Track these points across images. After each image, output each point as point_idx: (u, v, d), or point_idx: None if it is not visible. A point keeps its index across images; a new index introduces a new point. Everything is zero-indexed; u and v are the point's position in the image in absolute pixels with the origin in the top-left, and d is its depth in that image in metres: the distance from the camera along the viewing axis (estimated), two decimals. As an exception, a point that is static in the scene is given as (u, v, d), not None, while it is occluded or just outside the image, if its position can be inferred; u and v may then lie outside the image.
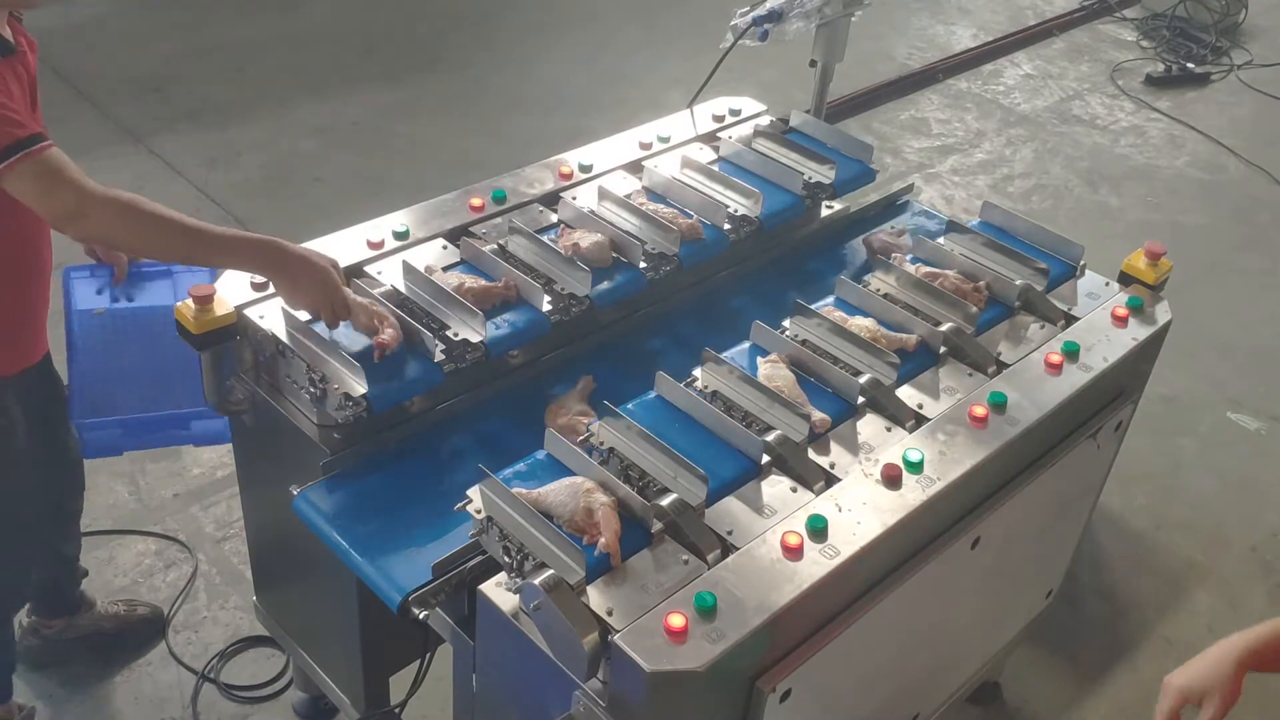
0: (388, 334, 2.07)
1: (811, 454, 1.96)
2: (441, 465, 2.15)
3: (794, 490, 1.89)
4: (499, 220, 2.51)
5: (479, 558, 1.87)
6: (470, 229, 2.48)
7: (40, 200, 1.98)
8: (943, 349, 2.22)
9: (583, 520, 1.73)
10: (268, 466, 2.36)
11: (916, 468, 1.92)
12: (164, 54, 5.73)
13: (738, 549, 1.76)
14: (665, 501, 1.78)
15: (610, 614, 1.62)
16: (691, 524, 1.77)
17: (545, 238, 2.40)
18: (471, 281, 2.24)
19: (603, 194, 2.56)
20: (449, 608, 1.92)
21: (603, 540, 1.68)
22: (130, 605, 3.00)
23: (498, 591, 1.75)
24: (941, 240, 2.56)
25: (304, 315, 2.14)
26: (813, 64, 3.30)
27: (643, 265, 2.38)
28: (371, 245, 2.37)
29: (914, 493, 1.88)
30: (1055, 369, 2.19)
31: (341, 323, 2.13)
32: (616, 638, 1.58)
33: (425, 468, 2.14)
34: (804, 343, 2.20)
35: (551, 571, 1.65)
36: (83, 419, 2.49)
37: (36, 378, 2.41)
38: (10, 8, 2.12)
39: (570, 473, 1.86)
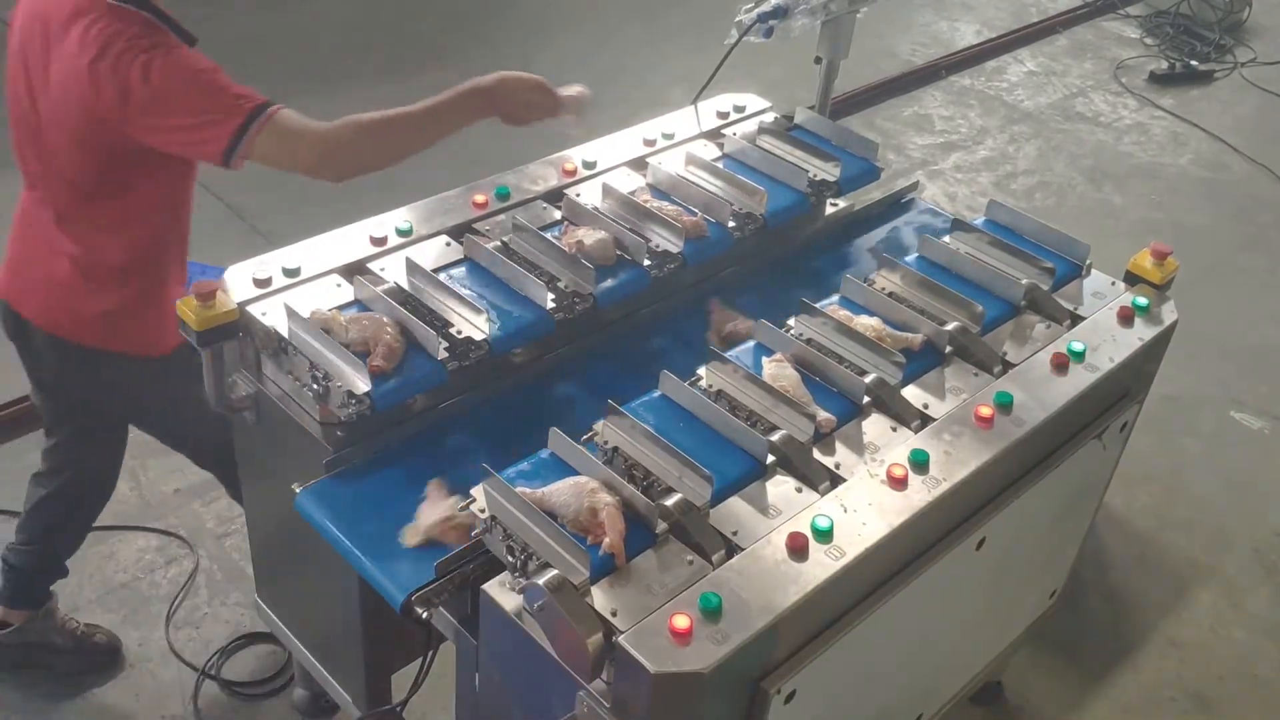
0: (379, 361, 2.03)
1: (817, 454, 1.95)
2: (445, 464, 2.14)
3: (799, 491, 1.88)
4: (502, 217, 2.50)
5: (482, 557, 1.86)
6: (473, 226, 2.47)
7: (289, 159, 2.15)
8: (948, 348, 2.21)
9: (587, 520, 1.72)
10: (270, 464, 2.36)
11: (922, 468, 1.91)
12: (165, 48, 5.73)
13: (743, 550, 1.75)
14: (670, 502, 1.77)
15: (614, 615, 1.62)
16: (696, 524, 1.76)
17: (549, 235, 2.39)
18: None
19: (607, 191, 2.55)
20: (452, 607, 1.91)
21: (607, 540, 1.68)
22: (90, 628, 2.91)
23: (501, 591, 1.74)
24: (947, 239, 2.55)
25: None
26: (817, 61, 3.29)
27: (647, 263, 2.37)
28: (375, 242, 2.36)
29: (919, 493, 1.87)
30: (1061, 369, 2.18)
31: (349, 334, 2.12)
32: (621, 639, 1.57)
33: (428, 466, 2.13)
34: (809, 342, 2.19)
35: (555, 571, 1.64)
36: None
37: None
38: None
39: (574, 472, 1.85)
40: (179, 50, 2.14)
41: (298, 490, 2.05)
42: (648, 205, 2.49)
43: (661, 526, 1.75)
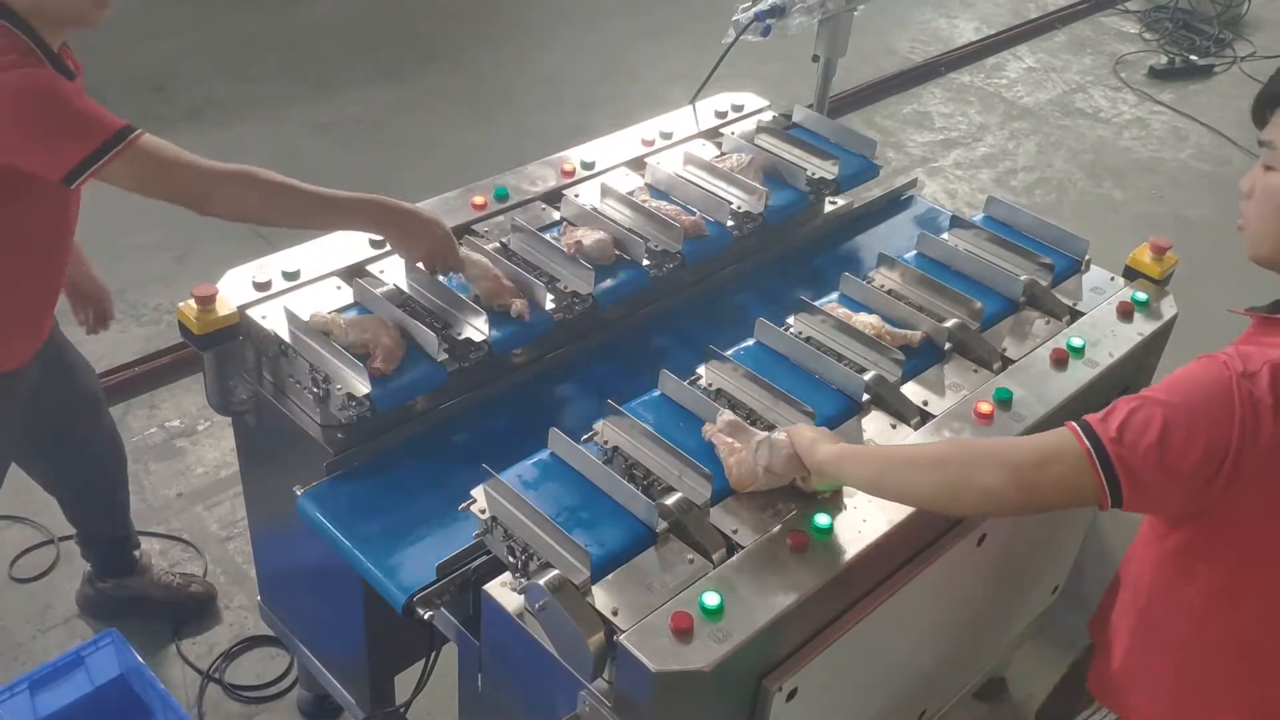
0: (379, 364, 2.06)
1: (816, 452, 1.95)
2: (445, 465, 2.14)
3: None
4: (501, 218, 2.50)
5: (483, 558, 1.86)
6: (473, 227, 2.47)
7: (160, 186, 2.07)
8: (948, 345, 2.21)
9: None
10: (271, 467, 2.36)
11: (922, 465, 1.91)
12: (165, 53, 5.73)
13: (743, 548, 1.75)
14: (670, 500, 1.77)
15: (616, 614, 1.62)
16: (697, 523, 1.76)
17: (548, 235, 2.39)
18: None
19: (605, 191, 2.55)
20: (454, 607, 1.91)
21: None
22: (186, 579, 3.09)
23: (502, 591, 1.75)
24: (945, 236, 2.55)
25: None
26: (815, 59, 3.29)
27: (646, 263, 2.38)
28: (374, 244, 2.37)
29: (920, 490, 1.87)
30: (1061, 365, 2.18)
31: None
32: (622, 638, 1.58)
33: (429, 467, 2.13)
34: (808, 339, 2.19)
35: (556, 571, 1.64)
36: None
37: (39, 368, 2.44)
38: (71, 28, 2.14)
39: (576, 471, 1.87)
40: (41, 70, 2.05)
41: (299, 492, 2.06)
42: (646, 205, 2.49)
43: (662, 526, 1.75)
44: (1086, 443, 1.52)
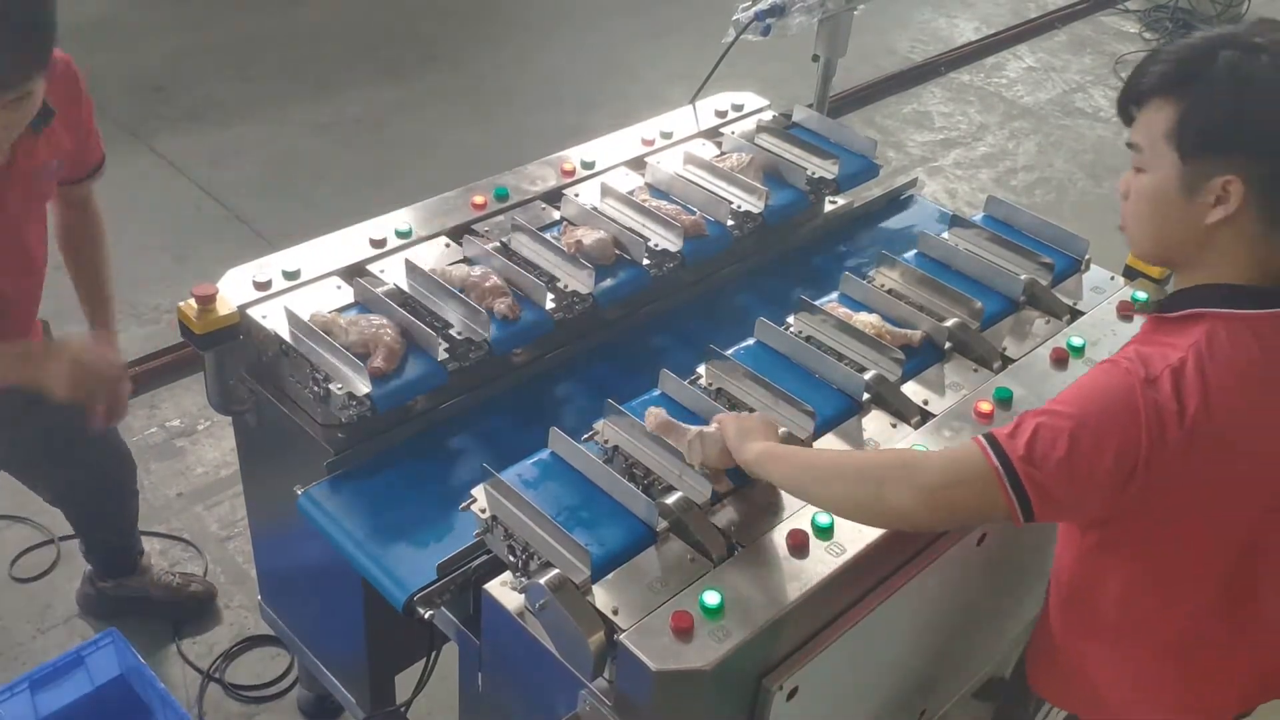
0: (379, 363, 2.05)
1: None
2: (446, 464, 2.14)
3: (799, 487, 1.88)
4: (501, 218, 2.50)
5: (484, 557, 1.87)
6: (473, 227, 2.47)
7: None
8: (948, 344, 2.21)
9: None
10: (272, 466, 2.36)
11: (922, 464, 1.91)
12: (165, 53, 5.73)
13: (743, 547, 1.75)
14: (670, 500, 1.77)
15: (616, 613, 1.62)
16: (697, 522, 1.76)
17: (548, 235, 2.39)
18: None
19: (605, 191, 2.55)
20: (454, 607, 1.91)
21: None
22: (185, 579, 3.09)
23: (503, 591, 1.75)
24: (945, 235, 2.55)
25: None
26: (815, 58, 3.29)
27: (646, 262, 2.38)
28: (374, 244, 2.37)
29: (920, 489, 1.87)
30: (1061, 364, 2.18)
31: (346, 336, 2.10)
32: (622, 637, 1.58)
33: (429, 467, 2.13)
34: (808, 339, 2.19)
35: (557, 570, 1.64)
36: None
37: None
38: None
39: (576, 470, 1.87)
40: None
41: (299, 492, 2.06)
42: (646, 204, 2.49)
43: (662, 525, 1.75)
44: (995, 461, 1.53)
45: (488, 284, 2.22)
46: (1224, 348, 1.51)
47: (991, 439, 1.55)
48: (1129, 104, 1.62)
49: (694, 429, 1.85)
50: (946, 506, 1.60)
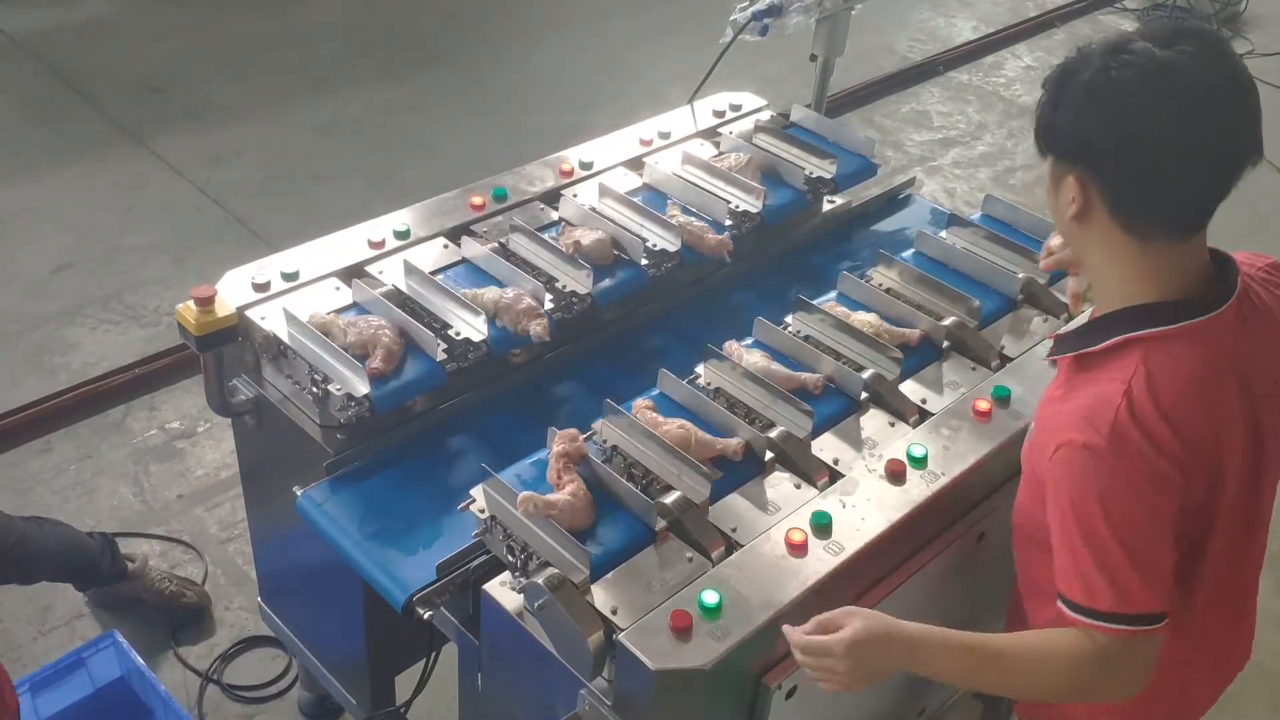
0: (378, 364, 2.05)
1: (815, 450, 1.95)
2: (444, 465, 2.14)
3: (797, 487, 1.89)
4: (500, 218, 2.51)
5: (483, 557, 1.87)
6: (471, 227, 2.47)
7: None
8: (946, 343, 2.22)
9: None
10: (271, 467, 2.36)
11: (920, 463, 1.91)
12: (164, 54, 5.72)
13: (742, 546, 1.76)
14: (669, 499, 1.78)
15: (615, 612, 1.62)
16: (695, 521, 1.77)
17: (546, 235, 2.39)
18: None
19: (604, 191, 2.55)
20: (453, 607, 1.92)
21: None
22: (180, 588, 3.05)
23: (502, 591, 1.75)
24: (943, 234, 2.55)
25: None
26: (813, 58, 3.29)
27: (644, 262, 2.38)
28: (373, 244, 2.37)
29: (918, 488, 1.88)
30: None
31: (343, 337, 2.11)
32: (621, 636, 1.58)
33: (428, 467, 2.13)
34: (807, 338, 2.19)
35: (556, 570, 1.65)
36: None
37: None
38: None
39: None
40: None
41: (299, 493, 2.06)
42: (645, 205, 2.50)
43: (661, 524, 1.76)
44: (1109, 625, 1.51)
45: (521, 306, 2.18)
46: (1166, 370, 1.50)
47: (1089, 610, 1.52)
48: (1041, 143, 1.62)
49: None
50: (1102, 687, 1.60)
